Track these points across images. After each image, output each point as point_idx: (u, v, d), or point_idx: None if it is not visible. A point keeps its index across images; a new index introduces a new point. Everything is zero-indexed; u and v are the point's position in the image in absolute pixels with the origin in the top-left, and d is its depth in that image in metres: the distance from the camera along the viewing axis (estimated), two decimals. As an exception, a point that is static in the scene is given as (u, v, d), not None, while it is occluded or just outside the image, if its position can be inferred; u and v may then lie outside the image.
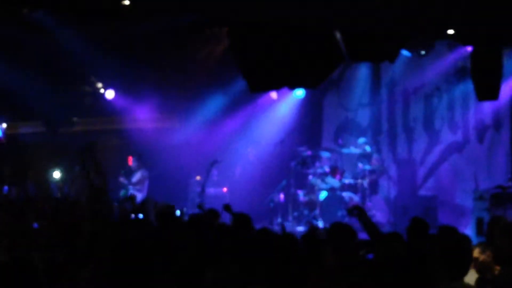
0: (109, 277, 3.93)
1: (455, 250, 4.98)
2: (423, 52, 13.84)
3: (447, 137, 15.37)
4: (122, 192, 14.12)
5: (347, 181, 14.73)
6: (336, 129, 16.70)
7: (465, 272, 5.04)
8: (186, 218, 10.43)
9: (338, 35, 11.90)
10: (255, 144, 15.94)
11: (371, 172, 14.84)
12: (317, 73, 12.65)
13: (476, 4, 8.80)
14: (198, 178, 15.15)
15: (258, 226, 7.49)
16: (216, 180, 14.99)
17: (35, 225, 7.90)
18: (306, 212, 14.67)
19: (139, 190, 14.24)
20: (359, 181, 14.67)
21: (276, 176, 15.49)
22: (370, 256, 6.45)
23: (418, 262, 4.52)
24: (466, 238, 5.19)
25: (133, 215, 9.81)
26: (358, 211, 7.09)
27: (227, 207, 9.20)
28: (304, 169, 14.97)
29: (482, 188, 13.57)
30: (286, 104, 16.34)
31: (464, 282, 5.02)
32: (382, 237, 6.73)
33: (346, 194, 14.38)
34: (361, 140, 15.29)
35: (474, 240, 9.16)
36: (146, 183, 14.49)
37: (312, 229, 7.74)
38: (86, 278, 4.91)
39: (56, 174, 14.32)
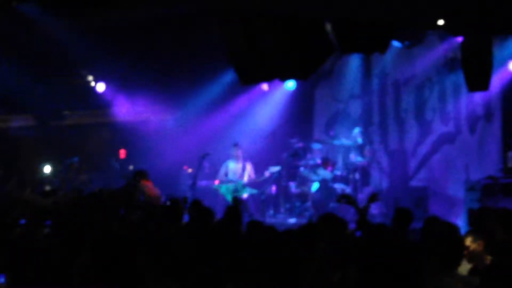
0: (100, 271, 3.89)
1: (446, 240, 4.97)
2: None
3: (439, 128, 15.35)
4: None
5: (338, 172, 14.72)
6: (328, 121, 16.69)
7: (458, 263, 5.02)
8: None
9: (328, 26, 11.86)
10: (246, 136, 15.90)
11: (363, 163, 14.83)
12: (308, 64, 12.60)
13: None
14: (189, 170, 15.12)
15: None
16: (207, 173, 14.96)
17: (22, 221, 7.79)
18: (298, 204, 14.67)
19: None
20: (351, 172, 14.67)
21: (267, 168, 15.47)
22: (358, 233, 6.63)
23: (410, 253, 4.51)
24: (455, 228, 5.18)
25: None
26: (347, 199, 7.35)
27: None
28: (296, 161, 14.97)
29: (473, 179, 13.57)
30: (277, 95, 16.32)
31: (458, 273, 5.01)
32: (369, 225, 6.81)
33: (338, 186, 14.38)
34: (356, 129, 15.25)
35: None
36: None
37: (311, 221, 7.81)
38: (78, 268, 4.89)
39: (47, 168, 14.26)
